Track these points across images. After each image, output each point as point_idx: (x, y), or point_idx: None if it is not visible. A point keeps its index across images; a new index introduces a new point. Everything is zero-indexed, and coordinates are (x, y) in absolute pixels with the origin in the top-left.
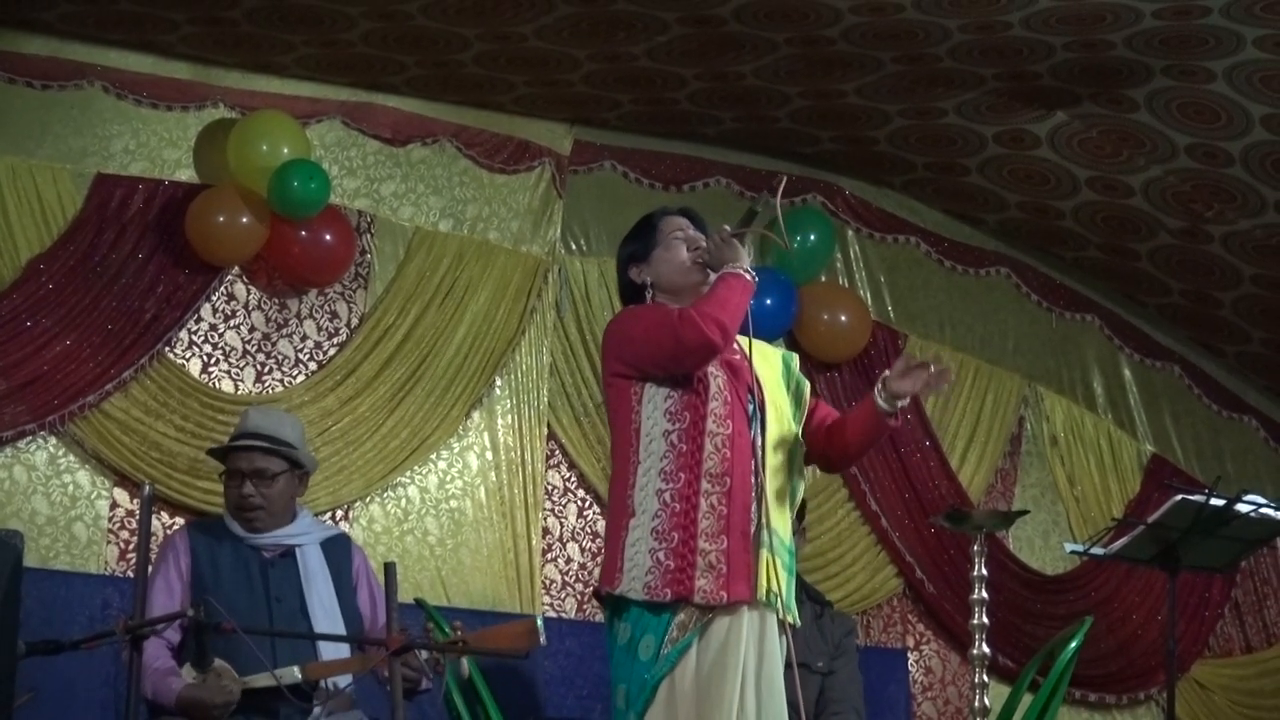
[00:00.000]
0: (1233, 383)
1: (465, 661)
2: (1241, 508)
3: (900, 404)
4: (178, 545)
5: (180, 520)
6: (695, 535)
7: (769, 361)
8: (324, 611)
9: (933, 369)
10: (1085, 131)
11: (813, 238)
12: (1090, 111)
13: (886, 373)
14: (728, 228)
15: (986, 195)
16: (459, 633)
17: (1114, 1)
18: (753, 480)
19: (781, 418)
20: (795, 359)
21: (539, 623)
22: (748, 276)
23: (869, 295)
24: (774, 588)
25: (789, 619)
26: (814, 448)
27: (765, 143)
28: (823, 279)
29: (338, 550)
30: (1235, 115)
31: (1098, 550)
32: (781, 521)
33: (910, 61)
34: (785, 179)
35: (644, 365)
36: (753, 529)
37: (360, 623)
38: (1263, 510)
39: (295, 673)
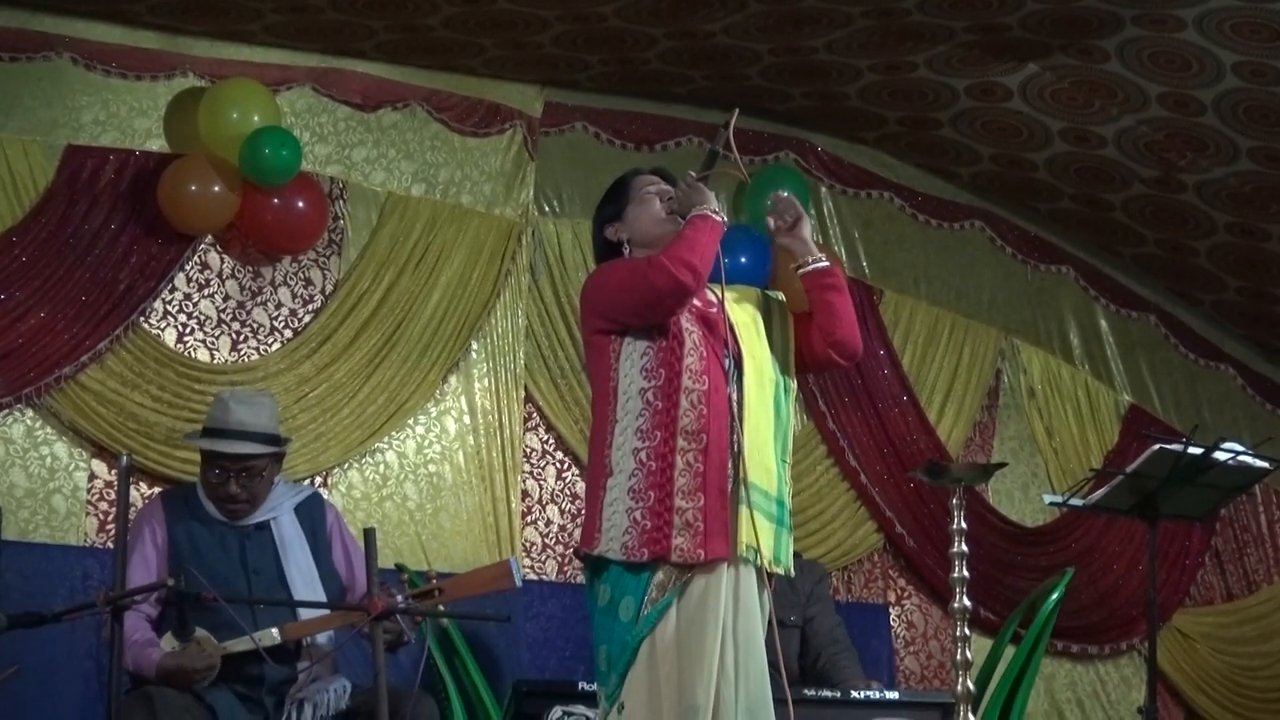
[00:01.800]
0: (1209, 331)
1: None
2: (1219, 456)
3: (809, 259)
4: (153, 518)
5: (159, 490)
6: (671, 494)
7: (748, 305)
8: (302, 580)
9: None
10: (1057, 83)
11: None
12: (1061, 63)
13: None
14: (693, 174)
15: (959, 149)
16: (434, 581)
17: None
18: (730, 436)
19: (761, 369)
20: (780, 295)
21: (513, 564)
22: (715, 218)
23: (843, 251)
24: (753, 543)
25: (779, 570)
26: (816, 354)
27: (736, 101)
28: None
29: (311, 511)
30: (1206, 63)
31: (1077, 501)
32: (764, 475)
33: (880, 15)
34: (737, 112)
35: (620, 316)
36: (730, 485)
37: (337, 581)
38: (1241, 458)
39: (274, 634)
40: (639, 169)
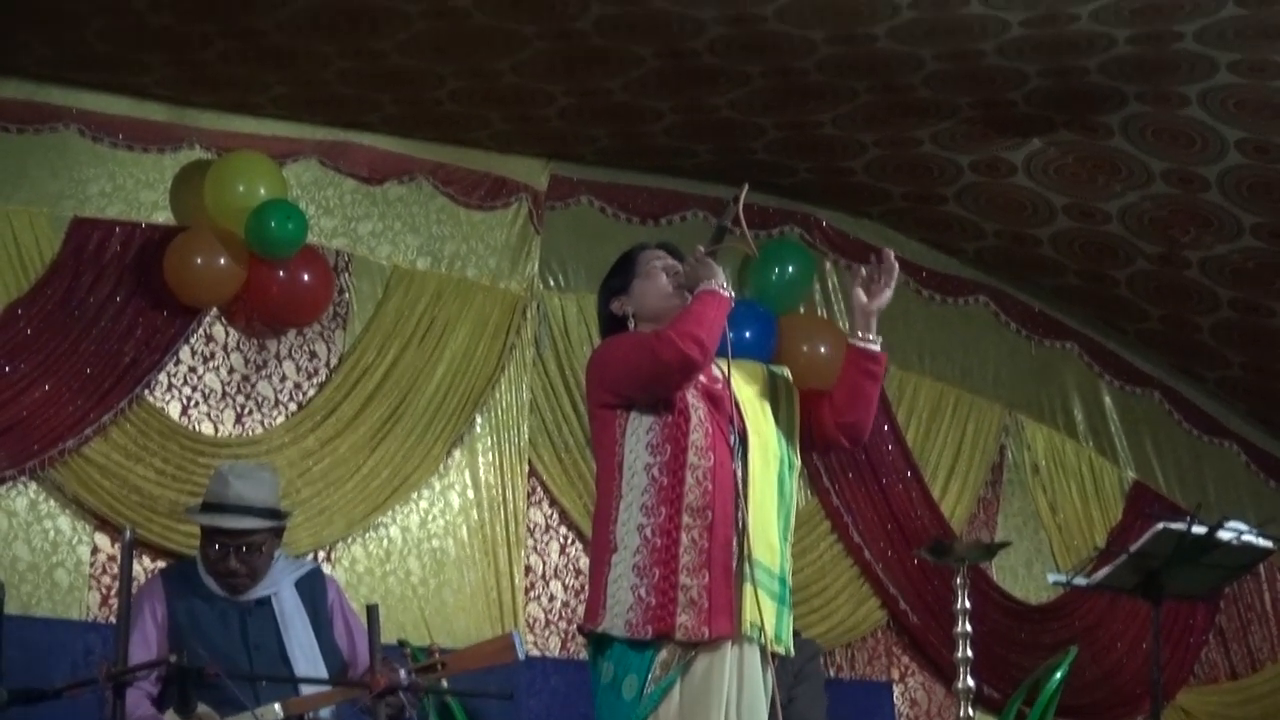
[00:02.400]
0: (1213, 408)
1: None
2: (1223, 535)
3: (868, 335)
4: (152, 596)
5: (163, 564)
6: (676, 571)
7: (753, 381)
8: (304, 655)
9: (876, 263)
10: (1061, 158)
11: (791, 269)
12: (1065, 138)
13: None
14: (701, 248)
15: (964, 224)
16: (436, 655)
17: (1087, 28)
18: (735, 513)
19: (766, 445)
20: (785, 371)
21: (516, 638)
22: (722, 292)
23: (848, 325)
24: (756, 620)
25: (780, 649)
26: (824, 433)
27: (742, 175)
28: (802, 310)
29: (312, 587)
30: (1210, 140)
31: (1081, 581)
32: (768, 552)
33: (885, 91)
34: (747, 186)
35: (626, 390)
36: (735, 562)
37: (339, 656)
38: (1245, 537)
39: (276, 710)
40: (645, 243)
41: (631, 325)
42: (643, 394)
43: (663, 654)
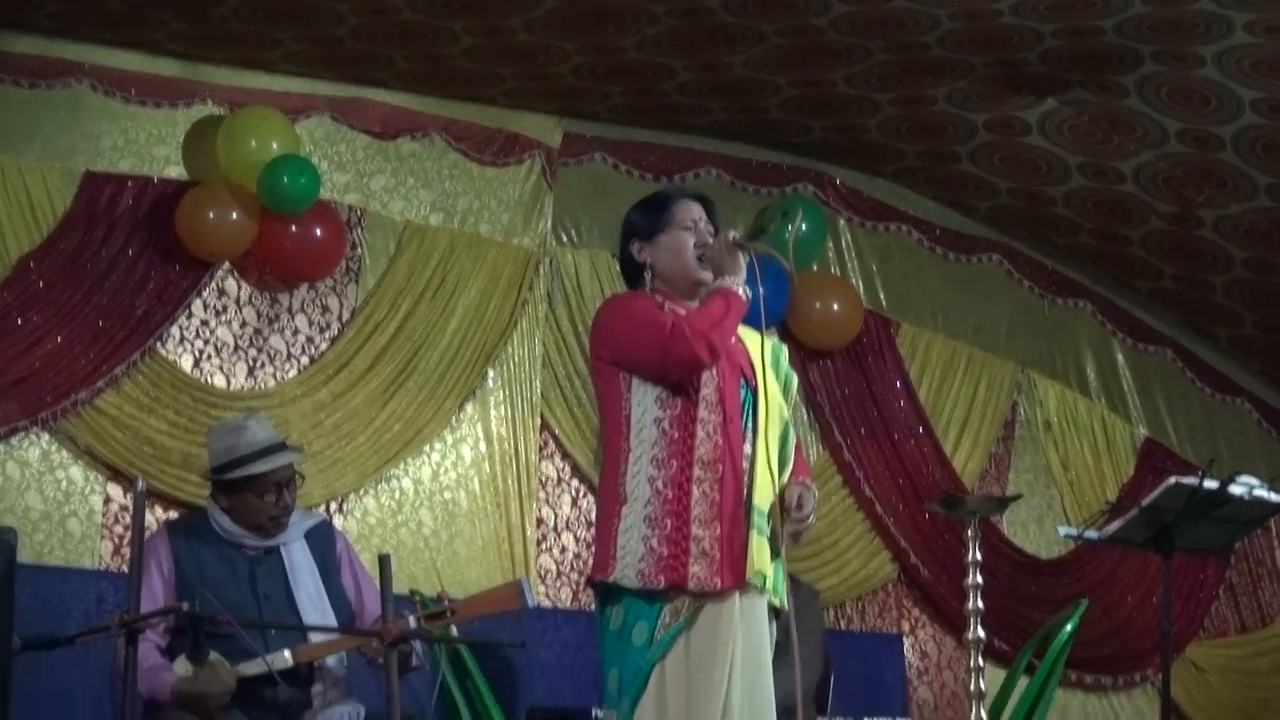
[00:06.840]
0: (1225, 366)
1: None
2: (1235, 490)
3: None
4: (158, 550)
5: (175, 514)
6: (688, 522)
7: (757, 344)
8: (312, 605)
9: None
10: (1076, 118)
11: (804, 227)
12: (1081, 98)
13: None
14: (735, 234)
15: (978, 182)
16: (446, 603)
17: None
18: (745, 465)
19: (772, 400)
20: (784, 350)
21: (524, 585)
22: (742, 294)
23: (861, 284)
24: (764, 570)
25: (777, 601)
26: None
27: (756, 133)
28: (815, 268)
29: (321, 538)
30: (1225, 100)
31: (1092, 534)
32: (767, 505)
33: (900, 50)
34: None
35: (627, 364)
36: (744, 515)
37: (347, 607)
38: (1256, 492)
39: (286, 656)
40: (685, 190)
41: (648, 277)
42: (640, 373)
43: (672, 602)
